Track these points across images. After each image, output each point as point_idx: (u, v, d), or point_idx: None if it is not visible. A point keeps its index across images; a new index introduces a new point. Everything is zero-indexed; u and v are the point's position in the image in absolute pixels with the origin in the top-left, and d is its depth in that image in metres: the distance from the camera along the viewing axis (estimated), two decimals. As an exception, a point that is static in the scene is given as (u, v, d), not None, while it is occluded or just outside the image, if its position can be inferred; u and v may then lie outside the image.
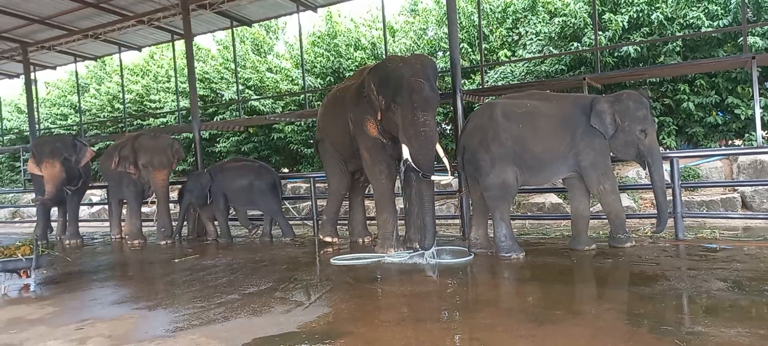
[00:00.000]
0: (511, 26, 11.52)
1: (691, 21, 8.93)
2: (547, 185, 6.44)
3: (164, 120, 14.66)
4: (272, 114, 12.01)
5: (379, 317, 3.64)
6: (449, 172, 5.55)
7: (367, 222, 7.13)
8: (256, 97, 13.20)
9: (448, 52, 8.49)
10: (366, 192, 7.17)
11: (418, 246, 5.52)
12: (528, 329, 3.14)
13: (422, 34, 12.66)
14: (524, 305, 3.73)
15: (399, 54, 11.26)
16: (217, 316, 3.77)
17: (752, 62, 7.20)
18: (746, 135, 8.93)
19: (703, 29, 8.74)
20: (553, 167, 5.25)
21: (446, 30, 10.09)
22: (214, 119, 13.00)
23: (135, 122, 15.44)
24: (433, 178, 5.28)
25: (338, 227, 7.03)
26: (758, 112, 7.18)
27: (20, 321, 3.96)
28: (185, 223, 8.42)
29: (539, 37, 10.46)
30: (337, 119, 6.21)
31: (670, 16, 9.20)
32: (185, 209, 8.01)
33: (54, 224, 9.62)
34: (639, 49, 9.29)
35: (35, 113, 13.61)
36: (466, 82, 10.94)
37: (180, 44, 12.65)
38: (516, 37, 11.46)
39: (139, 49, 13.25)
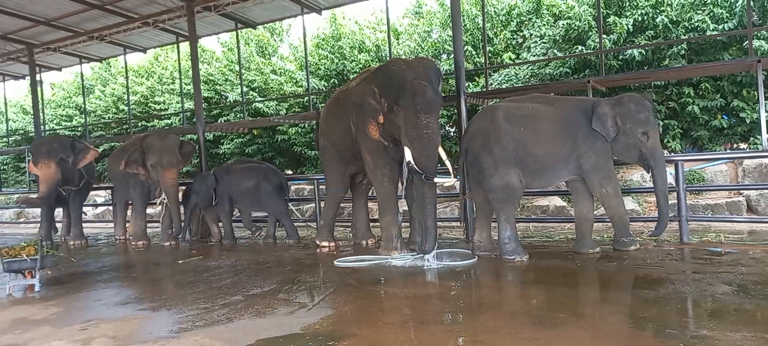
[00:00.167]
0: (515, 29, 11.52)
1: (696, 24, 8.92)
2: (550, 188, 6.42)
3: (169, 122, 14.74)
4: (276, 116, 12.03)
5: (382, 319, 3.64)
6: (452, 174, 5.55)
7: (371, 224, 7.13)
8: (260, 99, 13.24)
9: (452, 55, 8.49)
10: (369, 194, 7.17)
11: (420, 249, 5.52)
12: (531, 332, 3.13)
13: (426, 37, 12.65)
14: (528, 307, 3.72)
15: (403, 56, 11.27)
16: (220, 317, 3.78)
17: (758, 66, 7.19)
18: (751, 138, 8.91)
19: (708, 33, 8.73)
20: (555, 170, 5.24)
21: (450, 32, 10.11)
22: (219, 121, 13.03)
23: (139, 124, 15.49)
24: (435, 180, 5.28)
25: (339, 228, 7.02)
26: (764, 115, 7.16)
27: (25, 321, 3.98)
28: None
29: (544, 40, 10.45)
30: (340, 121, 6.21)
31: (675, 19, 9.18)
32: (191, 211, 8.04)
33: (58, 225, 9.66)
34: (644, 53, 9.27)
35: (40, 114, 13.69)
36: (470, 84, 10.93)
37: (185, 46, 12.74)
38: (520, 40, 11.46)
39: (144, 50, 13.30)
